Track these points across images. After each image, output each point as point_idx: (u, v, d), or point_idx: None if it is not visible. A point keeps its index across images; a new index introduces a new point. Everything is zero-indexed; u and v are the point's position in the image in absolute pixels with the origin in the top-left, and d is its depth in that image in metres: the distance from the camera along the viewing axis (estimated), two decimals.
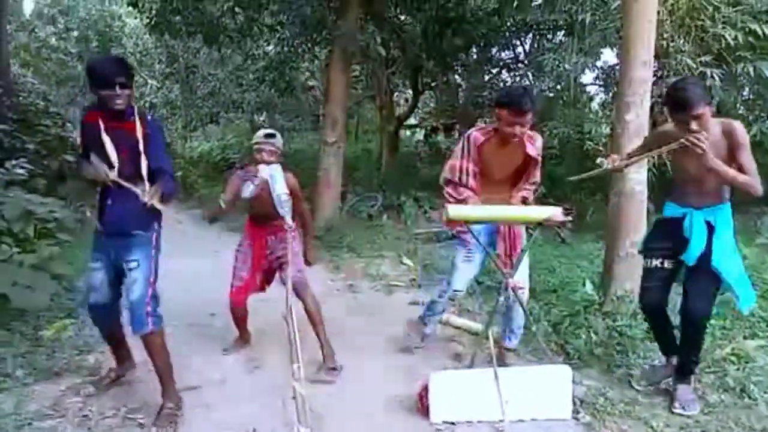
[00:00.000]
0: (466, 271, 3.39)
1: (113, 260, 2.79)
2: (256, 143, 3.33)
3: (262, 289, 3.70)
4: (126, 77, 2.66)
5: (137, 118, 2.72)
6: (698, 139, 2.59)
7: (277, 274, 3.59)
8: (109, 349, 3.17)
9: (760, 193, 2.69)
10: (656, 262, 2.99)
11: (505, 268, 3.20)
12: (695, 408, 2.87)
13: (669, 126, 2.95)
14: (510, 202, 3.30)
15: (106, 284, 2.82)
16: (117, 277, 2.83)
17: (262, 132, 3.41)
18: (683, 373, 3.01)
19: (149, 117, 2.85)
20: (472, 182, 3.28)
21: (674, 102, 2.70)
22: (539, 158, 3.29)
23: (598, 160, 3.17)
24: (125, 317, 2.86)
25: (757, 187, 2.67)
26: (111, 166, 2.64)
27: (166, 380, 2.83)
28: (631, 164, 3.19)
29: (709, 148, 2.62)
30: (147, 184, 2.67)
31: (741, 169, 2.68)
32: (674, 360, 3.12)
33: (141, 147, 2.68)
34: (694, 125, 2.63)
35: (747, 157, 2.68)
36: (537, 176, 3.37)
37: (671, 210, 2.99)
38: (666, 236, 2.97)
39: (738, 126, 2.73)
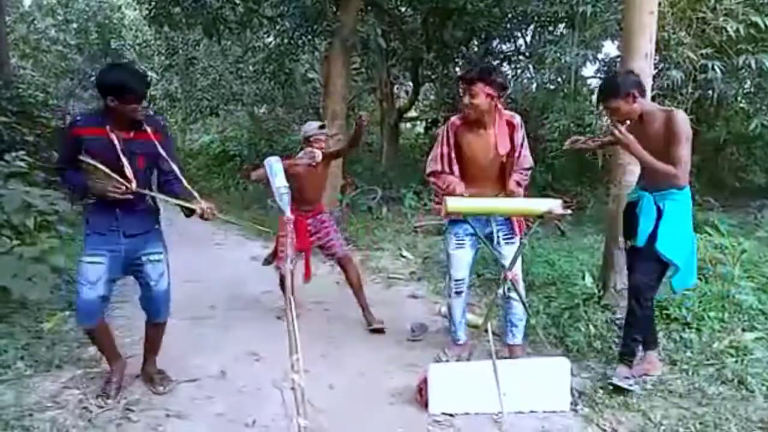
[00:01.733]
0: (462, 258, 3.37)
1: (125, 256, 2.81)
2: (311, 134, 4.04)
3: (308, 274, 4.20)
4: (149, 88, 2.73)
5: (148, 126, 2.74)
6: (617, 128, 2.85)
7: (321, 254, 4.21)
8: (102, 349, 3.05)
9: (681, 183, 2.85)
10: (624, 244, 3.25)
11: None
12: (628, 383, 2.95)
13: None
14: (504, 190, 3.28)
15: (105, 280, 2.78)
16: (116, 279, 2.87)
17: (315, 124, 4.15)
18: (623, 353, 3.10)
19: (160, 121, 2.90)
20: (455, 169, 3.30)
21: (599, 92, 3.04)
22: (517, 140, 3.26)
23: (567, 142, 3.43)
24: (146, 305, 2.98)
25: (679, 176, 2.83)
26: (128, 180, 2.65)
27: (155, 356, 3.11)
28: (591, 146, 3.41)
29: (645, 132, 2.84)
30: (198, 199, 2.77)
31: (672, 158, 2.80)
32: (652, 355, 3.20)
33: (163, 153, 2.74)
34: (609, 117, 2.96)
35: (677, 147, 2.80)
36: (528, 160, 3.33)
37: (632, 194, 3.18)
38: (628, 219, 3.16)
39: (677, 116, 2.84)
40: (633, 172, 4.00)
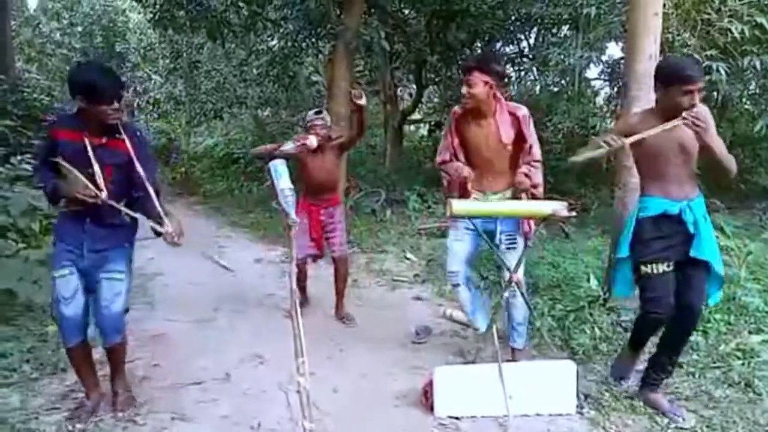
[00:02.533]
0: (458, 250, 3.36)
1: (86, 269, 2.64)
2: (309, 120, 4.12)
3: (321, 254, 4.35)
4: (123, 89, 2.53)
5: (125, 134, 2.58)
6: (698, 116, 2.54)
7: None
8: (80, 375, 2.82)
9: (735, 172, 2.71)
10: (663, 267, 2.74)
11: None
12: (682, 415, 2.78)
13: (633, 116, 2.99)
14: (512, 181, 3.26)
15: (81, 293, 2.63)
16: (88, 288, 2.68)
17: (312, 111, 4.23)
18: (659, 377, 2.89)
19: (135, 129, 2.73)
20: (462, 157, 3.32)
21: (672, 74, 2.63)
22: (526, 131, 3.22)
23: (594, 142, 2.87)
24: (98, 326, 2.71)
25: (734, 166, 2.71)
26: (99, 188, 2.51)
27: (123, 374, 2.93)
28: (630, 143, 2.78)
29: (675, 132, 2.61)
30: (166, 221, 2.55)
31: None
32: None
33: (138, 167, 2.56)
34: (696, 99, 2.57)
35: (715, 138, 2.66)
36: (537, 153, 3.28)
37: (663, 205, 2.76)
38: (661, 236, 2.76)
39: (706, 110, 2.66)
40: (636, 173, 4.00)
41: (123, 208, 2.59)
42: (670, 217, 2.75)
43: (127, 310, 2.80)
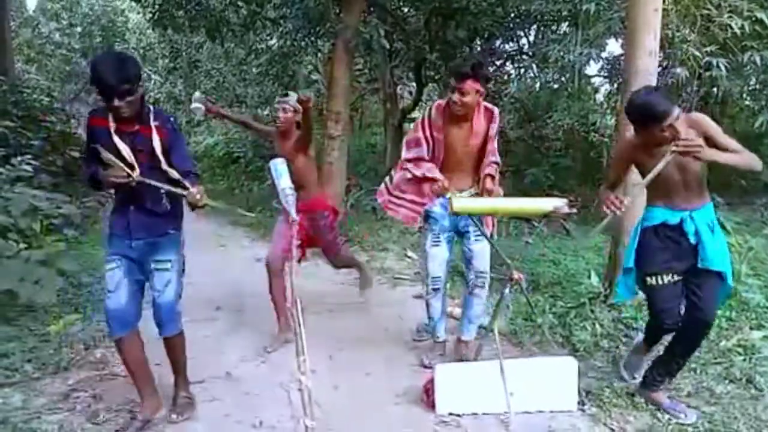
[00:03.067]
0: (438, 255, 3.37)
1: (138, 261, 2.64)
2: (276, 102, 3.79)
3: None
4: (131, 83, 2.41)
5: (153, 122, 2.55)
6: (689, 143, 2.46)
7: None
8: (131, 374, 2.72)
9: (760, 166, 2.59)
10: (668, 278, 2.73)
11: None
12: (692, 414, 2.76)
13: (627, 141, 2.94)
14: (477, 179, 3.28)
15: (126, 286, 2.62)
16: (138, 279, 2.68)
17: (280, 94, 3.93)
18: (661, 378, 2.88)
19: (168, 118, 2.66)
20: (437, 156, 3.27)
21: (646, 116, 2.54)
22: (492, 132, 3.24)
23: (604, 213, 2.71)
24: (154, 316, 2.70)
25: (757, 161, 2.58)
26: (132, 168, 2.47)
27: (184, 374, 2.88)
28: (634, 194, 2.85)
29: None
30: (187, 184, 2.51)
31: (728, 151, 2.58)
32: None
33: (159, 153, 2.53)
34: (683, 132, 2.50)
35: (729, 141, 2.61)
36: (496, 156, 3.30)
37: (665, 215, 2.75)
38: (666, 247, 2.75)
39: (702, 117, 2.67)
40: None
41: (156, 183, 2.52)
42: (672, 227, 2.74)
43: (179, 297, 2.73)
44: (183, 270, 2.77)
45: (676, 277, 2.73)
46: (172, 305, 2.68)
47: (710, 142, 2.59)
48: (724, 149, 2.59)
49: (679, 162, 2.59)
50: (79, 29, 16.87)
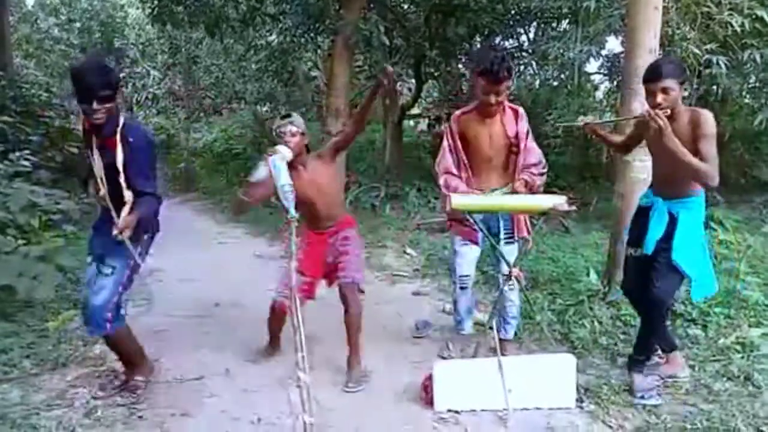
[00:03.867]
0: (467, 254, 3.35)
1: (98, 260, 2.77)
2: (277, 127, 3.16)
3: (311, 296, 3.36)
4: (109, 89, 2.44)
5: (118, 135, 2.56)
6: (658, 115, 2.61)
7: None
8: (121, 353, 2.97)
9: (715, 182, 2.66)
10: (630, 251, 3.08)
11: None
12: (655, 398, 2.88)
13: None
14: (513, 185, 3.21)
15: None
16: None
17: (279, 117, 3.26)
18: (636, 360, 3.03)
19: (135, 131, 2.66)
20: (462, 162, 3.28)
21: (646, 73, 2.79)
22: (522, 131, 3.23)
23: (579, 119, 3.34)
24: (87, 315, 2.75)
25: (712, 176, 2.64)
26: (101, 184, 2.60)
27: (136, 362, 2.98)
28: (599, 125, 3.34)
29: (671, 128, 2.63)
30: (124, 212, 2.57)
31: (700, 158, 2.65)
32: (675, 355, 3.15)
33: (120, 167, 2.55)
34: (659, 97, 2.66)
35: (707, 147, 2.66)
36: (535, 154, 3.25)
37: (644, 197, 3.07)
38: (638, 224, 3.05)
39: (706, 115, 2.71)
40: (639, 168, 4.00)
41: (109, 205, 2.60)
42: (643, 209, 3.01)
43: (120, 306, 2.79)
44: (130, 280, 2.81)
45: (637, 252, 3.01)
46: (100, 309, 2.70)
47: (692, 140, 2.69)
48: (699, 155, 2.65)
49: (666, 153, 2.69)
50: (78, 25, 16.81)
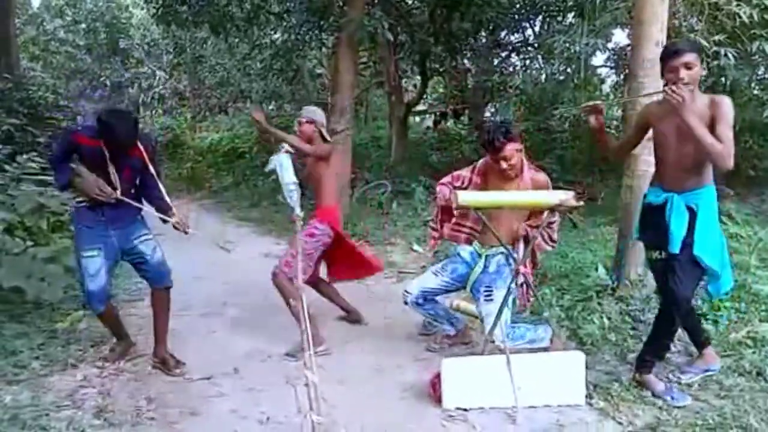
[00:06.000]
0: (429, 280, 3.44)
1: (118, 245, 3.14)
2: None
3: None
4: (136, 139, 2.98)
5: (141, 144, 3.03)
6: (677, 92, 2.54)
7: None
8: (112, 329, 3.39)
9: (729, 165, 2.59)
10: (654, 255, 2.88)
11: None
12: (683, 396, 2.81)
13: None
14: (515, 236, 3.28)
15: (105, 270, 3.09)
16: (115, 263, 3.22)
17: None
18: (647, 360, 2.93)
19: (151, 140, 3.30)
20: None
21: (666, 50, 2.76)
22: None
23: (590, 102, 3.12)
24: (148, 276, 3.26)
25: (727, 155, 2.57)
26: (114, 187, 3.00)
27: (164, 334, 3.34)
28: (609, 103, 3.22)
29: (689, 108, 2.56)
30: (174, 211, 3.18)
31: (719, 137, 2.57)
32: (708, 350, 3.10)
33: (151, 169, 3.11)
34: (682, 72, 2.60)
35: (725, 129, 2.59)
36: (551, 228, 3.28)
37: (653, 195, 2.89)
38: (652, 225, 2.87)
39: (725, 100, 2.66)
40: (647, 161, 3.96)
41: (136, 204, 3.15)
42: (655, 207, 2.83)
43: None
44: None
45: (661, 254, 2.82)
46: (162, 261, 3.26)
47: (710, 123, 2.63)
48: (712, 132, 2.59)
49: (679, 127, 2.65)
50: (83, 26, 16.88)
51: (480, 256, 3.34)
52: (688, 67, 2.62)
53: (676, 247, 2.72)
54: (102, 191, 2.95)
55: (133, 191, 3.17)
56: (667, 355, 3.15)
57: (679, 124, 2.65)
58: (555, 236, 3.34)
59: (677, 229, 2.72)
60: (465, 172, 3.41)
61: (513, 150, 3.11)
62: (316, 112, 3.78)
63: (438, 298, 3.53)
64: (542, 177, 3.27)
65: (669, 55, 2.70)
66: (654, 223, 2.84)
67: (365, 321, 4.07)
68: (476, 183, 3.34)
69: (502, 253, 3.28)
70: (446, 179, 3.45)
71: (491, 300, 3.18)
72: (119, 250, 3.16)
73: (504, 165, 3.13)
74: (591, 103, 3.07)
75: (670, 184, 2.80)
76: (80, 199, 3.09)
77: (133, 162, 3.06)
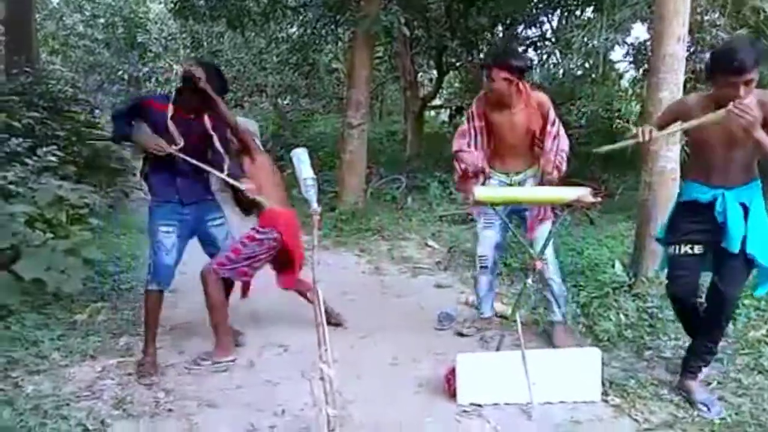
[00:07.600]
0: (488, 236, 3.52)
1: (193, 224, 3.25)
2: None
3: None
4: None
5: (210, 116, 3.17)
6: (746, 110, 2.33)
7: None
8: (147, 323, 3.22)
9: None
10: (686, 248, 2.73)
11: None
12: (719, 409, 2.68)
13: (691, 97, 2.85)
14: (536, 162, 3.36)
15: (177, 247, 3.19)
16: (186, 241, 3.28)
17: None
18: (695, 364, 2.82)
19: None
20: (481, 141, 3.43)
21: (726, 63, 2.41)
22: (549, 118, 3.30)
23: (630, 132, 2.86)
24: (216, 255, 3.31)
25: None
26: (174, 143, 3.04)
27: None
28: (664, 135, 2.97)
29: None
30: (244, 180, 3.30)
31: None
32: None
33: (215, 140, 3.20)
34: (742, 91, 2.37)
35: None
36: (566, 141, 3.34)
37: (697, 191, 2.72)
38: (693, 221, 2.72)
39: None
40: (666, 158, 3.92)
41: (202, 165, 3.16)
42: (703, 204, 2.68)
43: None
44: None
45: (696, 250, 2.72)
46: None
47: (765, 125, 2.44)
48: (747, 141, 2.47)
49: (730, 133, 2.50)
50: (102, 21, 17.04)
51: (510, 185, 3.42)
52: (748, 84, 2.39)
53: (735, 246, 2.57)
54: (159, 146, 3.02)
55: (201, 160, 3.19)
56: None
57: (730, 132, 2.49)
58: (563, 167, 3.33)
59: (736, 227, 2.58)
60: (466, 125, 3.49)
61: (498, 75, 3.20)
62: (248, 123, 3.67)
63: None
64: (543, 97, 3.37)
65: (731, 70, 2.39)
66: (697, 218, 2.70)
67: (346, 324, 3.90)
68: (480, 127, 3.43)
69: (531, 177, 3.41)
70: (456, 144, 3.48)
71: (541, 223, 3.36)
72: (193, 227, 3.26)
73: (486, 84, 3.28)
74: (633, 141, 2.73)
75: (718, 180, 2.65)
76: (150, 169, 3.19)
77: (198, 128, 3.15)
